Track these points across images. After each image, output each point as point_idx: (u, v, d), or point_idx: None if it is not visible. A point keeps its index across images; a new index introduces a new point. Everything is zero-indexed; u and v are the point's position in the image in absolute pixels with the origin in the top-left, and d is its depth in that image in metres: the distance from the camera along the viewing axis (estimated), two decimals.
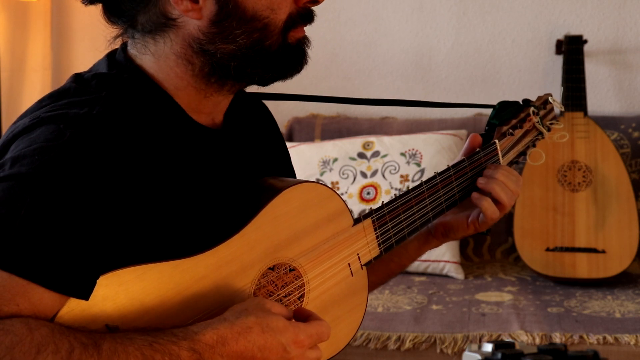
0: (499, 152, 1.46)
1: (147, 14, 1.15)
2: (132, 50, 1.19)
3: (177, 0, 1.11)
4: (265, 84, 1.23)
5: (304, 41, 1.20)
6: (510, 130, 1.48)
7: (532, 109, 1.51)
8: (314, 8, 1.21)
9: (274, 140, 1.40)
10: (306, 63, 1.21)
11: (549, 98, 1.56)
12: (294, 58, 1.19)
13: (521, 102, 1.53)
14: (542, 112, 1.53)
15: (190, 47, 1.15)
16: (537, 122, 1.51)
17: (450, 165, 1.41)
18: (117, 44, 1.22)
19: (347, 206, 1.26)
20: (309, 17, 1.20)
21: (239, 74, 1.16)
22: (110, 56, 1.21)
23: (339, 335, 1.25)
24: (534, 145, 1.55)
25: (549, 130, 1.54)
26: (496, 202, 1.41)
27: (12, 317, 0.94)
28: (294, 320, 1.10)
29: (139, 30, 1.17)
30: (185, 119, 1.18)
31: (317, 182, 1.23)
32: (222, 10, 1.12)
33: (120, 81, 1.15)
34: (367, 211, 1.30)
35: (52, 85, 3.37)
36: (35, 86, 3.34)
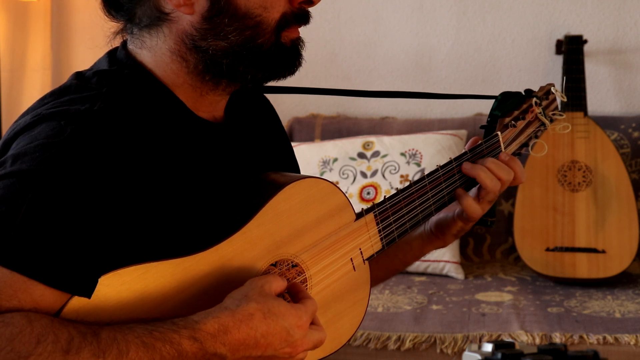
0: (502, 144, 1.44)
1: (143, 7, 1.16)
2: (131, 45, 1.20)
3: None
4: (258, 83, 1.23)
5: (298, 42, 1.20)
6: (513, 121, 1.46)
7: (534, 99, 1.49)
8: (310, 9, 1.20)
9: (276, 134, 1.40)
10: (300, 65, 1.21)
11: (552, 88, 1.54)
12: (287, 59, 1.19)
13: (523, 93, 1.51)
14: (544, 103, 1.51)
15: (183, 42, 1.15)
16: (540, 113, 1.50)
17: (452, 158, 1.40)
18: (117, 42, 1.23)
19: (349, 201, 1.26)
20: (304, 18, 1.19)
21: (231, 72, 1.16)
22: (111, 53, 1.21)
23: (342, 330, 1.25)
24: (536, 137, 1.53)
25: (551, 121, 1.53)
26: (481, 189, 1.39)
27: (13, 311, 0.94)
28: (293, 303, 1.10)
29: (136, 24, 1.17)
30: (186, 114, 1.18)
31: (319, 177, 1.22)
32: (214, 6, 1.13)
33: (121, 77, 1.15)
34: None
35: (52, 85, 3.37)
36: (35, 86, 3.34)
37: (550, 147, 2.93)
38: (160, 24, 1.16)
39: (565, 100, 1.54)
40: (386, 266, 1.46)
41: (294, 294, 1.12)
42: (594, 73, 3.26)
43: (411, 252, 1.48)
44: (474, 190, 1.42)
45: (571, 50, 3.08)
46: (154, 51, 1.17)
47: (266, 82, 1.23)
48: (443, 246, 1.48)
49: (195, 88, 1.18)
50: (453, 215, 1.43)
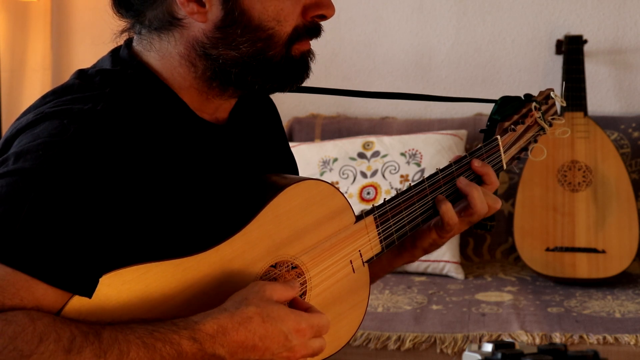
0: (501, 148, 1.45)
1: (155, 10, 1.15)
2: (137, 46, 1.19)
3: (184, 2, 1.12)
4: (265, 93, 1.23)
5: (308, 54, 1.20)
6: (512, 125, 1.47)
7: (534, 104, 1.51)
8: (322, 23, 1.21)
9: (276, 135, 1.40)
10: (307, 77, 1.21)
11: (551, 93, 1.56)
12: (295, 71, 1.19)
13: (523, 97, 1.52)
14: (543, 108, 1.53)
15: (194, 49, 1.15)
16: (539, 117, 1.51)
17: (452, 161, 1.40)
18: (121, 41, 1.22)
19: (349, 203, 1.26)
20: (315, 32, 1.20)
21: (239, 81, 1.17)
22: (114, 53, 1.21)
23: (341, 332, 1.25)
24: (535, 141, 1.54)
25: (550, 125, 1.54)
26: (468, 206, 1.37)
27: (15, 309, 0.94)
28: (295, 309, 1.10)
29: (145, 26, 1.17)
30: (189, 115, 1.18)
31: (319, 179, 1.22)
32: (227, 16, 1.13)
33: (124, 77, 1.15)
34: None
35: (52, 85, 3.37)
36: (35, 86, 3.34)
37: (551, 147, 2.93)
38: (172, 28, 1.15)
39: (564, 105, 1.55)
40: None
41: (303, 310, 1.12)
42: (594, 73, 3.26)
43: (380, 264, 1.43)
44: (461, 205, 1.39)
45: (571, 50, 3.08)
46: (162, 54, 1.17)
47: (273, 92, 1.23)
48: (412, 261, 1.45)
49: (201, 92, 1.19)
50: (429, 225, 1.40)
